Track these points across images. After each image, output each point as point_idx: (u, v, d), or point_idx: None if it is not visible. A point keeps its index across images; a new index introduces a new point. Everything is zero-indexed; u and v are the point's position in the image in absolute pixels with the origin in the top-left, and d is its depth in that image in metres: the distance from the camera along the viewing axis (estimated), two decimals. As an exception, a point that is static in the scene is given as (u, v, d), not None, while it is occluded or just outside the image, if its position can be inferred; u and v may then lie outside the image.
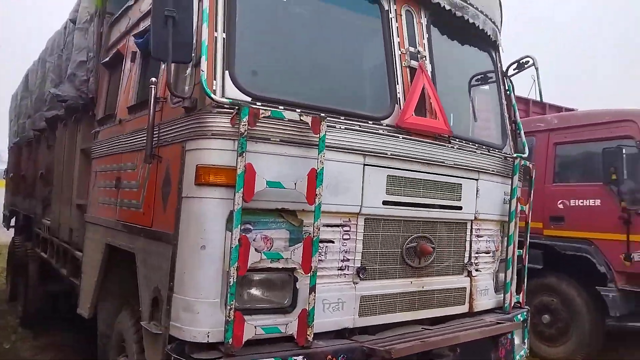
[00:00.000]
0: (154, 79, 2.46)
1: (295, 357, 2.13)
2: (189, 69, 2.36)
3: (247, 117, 2.05)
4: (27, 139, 6.63)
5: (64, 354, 4.98)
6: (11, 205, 7.83)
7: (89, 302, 3.32)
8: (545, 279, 5.81)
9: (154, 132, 2.46)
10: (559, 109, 8.17)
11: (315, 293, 2.18)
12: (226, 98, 2.16)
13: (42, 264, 5.49)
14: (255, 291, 2.19)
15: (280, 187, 2.16)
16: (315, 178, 2.18)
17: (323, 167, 2.19)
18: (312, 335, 2.19)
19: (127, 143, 3.02)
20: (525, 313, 3.31)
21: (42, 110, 5.46)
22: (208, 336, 2.05)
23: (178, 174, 2.24)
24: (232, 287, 2.00)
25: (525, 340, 3.33)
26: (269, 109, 2.14)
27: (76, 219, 4.14)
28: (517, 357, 3.18)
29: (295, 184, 2.18)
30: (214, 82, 2.18)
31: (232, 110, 2.11)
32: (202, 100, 2.19)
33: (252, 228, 2.16)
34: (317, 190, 2.18)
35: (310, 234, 2.21)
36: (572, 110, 7.88)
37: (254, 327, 2.08)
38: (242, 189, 2.03)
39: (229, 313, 1.99)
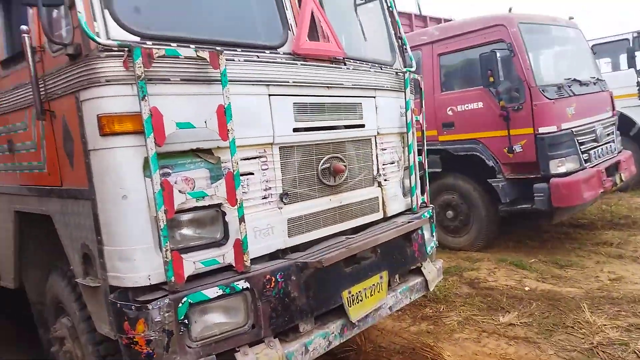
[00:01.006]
0: (24, 27, 2.25)
1: (237, 282, 2.25)
2: (62, 11, 2.19)
3: (140, 58, 1.98)
4: None
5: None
6: None
7: (12, 272, 3.19)
8: (445, 179, 6.48)
9: (40, 85, 2.29)
10: (438, 20, 8.66)
11: (244, 223, 2.29)
12: (112, 40, 2.05)
13: None
14: (186, 231, 2.23)
15: (191, 127, 2.16)
16: (224, 114, 2.21)
17: (230, 102, 2.22)
18: (250, 261, 2.32)
19: (11, 101, 2.77)
20: (430, 210, 3.70)
21: None
22: (149, 279, 2.09)
23: (78, 127, 2.14)
24: (163, 230, 2.03)
25: (434, 234, 3.75)
26: (162, 47, 2.08)
27: None
28: (429, 248, 3.59)
29: (205, 122, 2.20)
30: (95, 23, 2.03)
31: (122, 53, 2.02)
32: (86, 45, 2.05)
33: (170, 171, 2.16)
34: (228, 125, 2.21)
35: (229, 169, 2.27)
36: (450, 20, 8.41)
37: (192, 262, 2.16)
38: (152, 134, 2.01)
39: (166, 254, 2.05)
